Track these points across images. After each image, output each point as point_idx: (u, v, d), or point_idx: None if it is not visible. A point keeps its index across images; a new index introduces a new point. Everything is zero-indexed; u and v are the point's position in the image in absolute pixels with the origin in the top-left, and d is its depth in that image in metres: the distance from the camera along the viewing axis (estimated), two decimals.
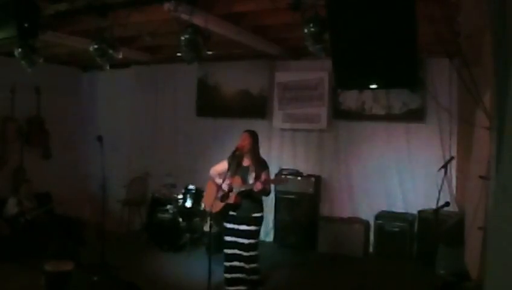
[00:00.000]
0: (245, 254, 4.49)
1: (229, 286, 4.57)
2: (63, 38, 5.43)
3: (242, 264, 4.50)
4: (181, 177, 6.88)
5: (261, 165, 4.56)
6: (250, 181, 4.46)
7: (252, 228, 4.52)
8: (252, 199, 4.53)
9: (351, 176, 6.61)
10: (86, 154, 7.92)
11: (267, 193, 4.59)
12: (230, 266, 4.54)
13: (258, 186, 4.34)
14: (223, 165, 4.71)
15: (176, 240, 6.32)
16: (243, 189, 4.47)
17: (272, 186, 6.33)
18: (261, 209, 4.62)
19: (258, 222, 4.59)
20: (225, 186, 4.54)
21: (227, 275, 4.56)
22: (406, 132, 6.25)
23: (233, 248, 4.53)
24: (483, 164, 3.91)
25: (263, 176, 4.45)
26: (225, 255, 4.59)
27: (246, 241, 4.49)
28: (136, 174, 7.60)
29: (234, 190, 4.51)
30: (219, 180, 4.62)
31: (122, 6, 4.03)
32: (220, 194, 4.55)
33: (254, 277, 4.56)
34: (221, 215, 4.64)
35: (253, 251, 4.54)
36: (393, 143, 6.31)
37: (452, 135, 5.81)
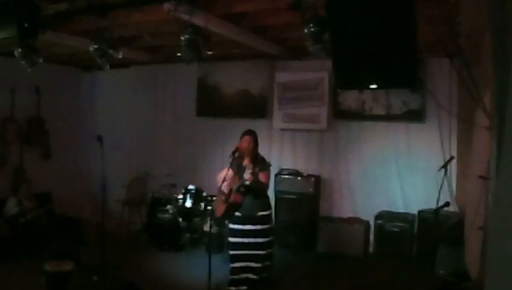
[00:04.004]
0: (256, 252, 4.47)
1: (232, 286, 4.55)
2: (63, 38, 5.43)
3: (248, 263, 4.48)
4: (181, 177, 6.88)
5: (258, 162, 4.54)
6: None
7: (258, 227, 4.50)
8: (255, 196, 4.51)
9: (351, 176, 6.60)
10: (86, 154, 7.92)
11: (264, 187, 4.55)
12: (236, 267, 4.53)
13: (249, 178, 4.34)
14: (226, 171, 4.69)
15: (176, 240, 6.32)
16: (238, 185, 4.46)
17: (271, 186, 6.36)
18: (266, 207, 4.61)
19: (265, 220, 4.57)
20: (224, 188, 4.54)
21: (234, 277, 4.55)
22: (406, 132, 6.25)
23: (240, 249, 4.51)
24: (483, 164, 3.91)
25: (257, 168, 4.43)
26: (231, 257, 4.58)
27: (252, 240, 4.47)
28: (136, 174, 7.60)
29: (233, 189, 4.52)
30: (223, 185, 4.62)
31: (122, 6, 4.03)
32: (222, 197, 4.56)
33: (263, 275, 4.54)
34: (227, 217, 4.63)
35: (265, 249, 4.51)
36: (393, 143, 6.31)
37: (452, 135, 5.81)
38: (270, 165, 4.57)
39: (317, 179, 6.64)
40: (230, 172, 4.57)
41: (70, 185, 7.74)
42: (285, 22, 4.82)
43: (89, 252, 5.49)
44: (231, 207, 4.53)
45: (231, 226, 4.61)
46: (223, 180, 4.57)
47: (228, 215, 4.58)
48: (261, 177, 4.44)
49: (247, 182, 4.40)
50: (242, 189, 4.48)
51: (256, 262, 4.47)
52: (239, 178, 4.50)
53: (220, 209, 4.60)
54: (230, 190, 4.54)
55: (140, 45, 6.30)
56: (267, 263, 4.57)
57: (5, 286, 4.80)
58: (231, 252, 4.58)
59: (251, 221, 4.49)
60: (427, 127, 6.08)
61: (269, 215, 4.64)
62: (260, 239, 4.50)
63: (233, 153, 4.59)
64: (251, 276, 4.48)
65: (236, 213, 4.55)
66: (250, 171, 4.40)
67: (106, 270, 5.00)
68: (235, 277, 4.53)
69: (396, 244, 5.93)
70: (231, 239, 4.59)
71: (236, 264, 4.53)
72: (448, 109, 5.63)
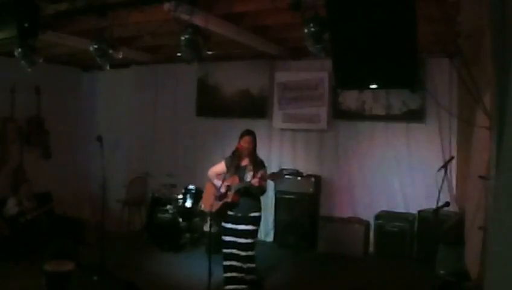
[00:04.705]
0: (242, 253, 4.51)
1: (228, 285, 4.58)
2: (63, 38, 5.43)
3: (240, 263, 4.51)
4: (181, 177, 6.88)
5: (259, 164, 4.57)
6: (248, 179, 4.46)
7: (250, 227, 4.54)
8: (250, 198, 4.54)
9: (351, 176, 6.60)
10: (86, 154, 7.92)
11: (264, 191, 4.59)
12: (229, 265, 4.56)
13: (256, 182, 4.34)
14: (221, 166, 4.73)
15: (176, 240, 6.32)
16: (240, 186, 4.47)
17: (271, 186, 6.36)
18: (258, 209, 4.63)
19: (256, 221, 4.61)
20: (223, 189, 4.55)
21: (227, 275, 4.59)
22: (406, 132, 6.25)
23: (232, 248, 4.55)
24: (483, 164, 3.91)
25: (261, 173, 4.44)
26: (224, 255, 4.61)
27: (243, 240, 4.51)
28: (136, 174, 7.59)
29: (232, 189, 4.52)
30: (217, 182, 4.63)
31: (122, 6, 4.03)
32: (218, 194, 4.56)
33: (251, 277, 4.57)
34: (220, 215, 4.65)
35: (250, 250, 4.57)
36: (393, 143, 6.31)
37: (452, 135, 5.81)
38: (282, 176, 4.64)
39: (317, 179, 6.64)
40: (227, 170, 4.58)
41: (70, 185, 7.73)
42: (285, 22, 4.82)
43: (89, 252, 5.49)
44: (227, 206, 4.55)
45: (225, 225, 4.63)
46: (223, 180, 4.58)
47: (222, 213, 4.60)
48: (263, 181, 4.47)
49: (256, 185, 4.39)
50: (242, 190, 4.49)
51: (243, 263, 4.52)
52: (239, 178, 4.51)
53: (214, 206, 4.60)
54: (228, 189, 4.54)
55: (140, 45, 6.30)
56: (253, 264, 4.61)
57: (5, 286, 4.79)
58: (224, 250, 4.61)
59: (244, 221, 4.53)
60: (427, 127, 6.08)
61: (259, 217, 4.68)
62: (250, 240, 4.55)
63: (234, 153, 4.62)
64: (244, 276, 4.52)
65: (230, 212, 4.57)
66: (253, 173, 4.41)
67: (106, 270, 5.00)
68: (228, 274, 4.57)
69: (396, 244, 5.93)
70: (225, 237, 4.62)
71: (228, 263, 4.56)
72: (448, 109, 5.64)
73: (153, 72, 7.78)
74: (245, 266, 4.52)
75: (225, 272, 4.59)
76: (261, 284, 4.83)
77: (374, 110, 6.39)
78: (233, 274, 4.54)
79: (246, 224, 4.52)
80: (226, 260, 4.58)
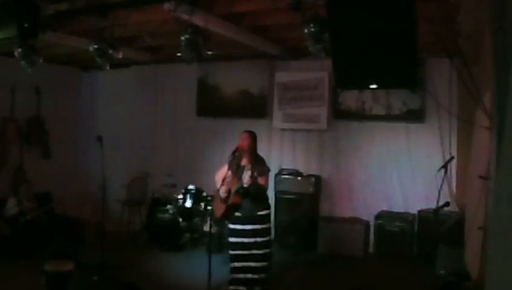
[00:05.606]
0: (255, 252, 4.47)
1: (232, 285, 4.56)
2: (63, 38, 5.43)
3: (248, 263, 4.47)
4: (181, 177, 6.88)
5: (257, 163, 4.54)
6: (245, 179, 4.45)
7: (258, 226, 4.50)
8: (254, 197, 4.51)
9: (351, 176, 6.60)
10: (86, 154, 7.92)
11: (261, 189, 4.53)
12: (236, 266, 4.53)
13: (248, 181, 4.31)
14: (225, 169, 4.70)
15: (176, 240, 6.32)
16: (238, 187, 4.46)
17: (271, 186, 6.36)
18: (265, 207, 4.61)
19: (264, 220, 4.57)
20: (225, 191, 4.54)
21: (234, 276, 4.55)
22: (406, 132, 6.25)
23: (239, 249, 4.51)
24: (483, 164, 3.91)
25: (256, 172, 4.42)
26: (230, 256, 4.59)
27: (252, 240, 4.47)
28: (136, 174, 7.60)
29: (232, 190, 4.51)
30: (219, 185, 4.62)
31: (122, 6, 4.03)
32: (221, 198, 4.55)
33: (262, 275, 4.53)
34: (226, 218, 4.64)
35: (264, 249, 4.52)
36: (393, 143, 6.31)
37: (452, 135, 5.80)
38: (269, 170, 4.54)
39: (317, 179, 6.63)
40: (229, 172, 4.58)
41: (70, 185, 7.73)
42: (285, 22, 4.82)
43: (89, 252, 5.48)
44: (230, 208, 4.54)
45: (231, 226, 4.61)
46: (223, 181, 4.57)
47: (227, 215, 4.59)
48: (260, 180, 4.44)
49: (246, 185, 4.38)
50: (241, 191, 4.48)
51: (255, 262, 4.48)
52: (238, 179, 4.50)
53: (219, 209, 4.60)
54: (230, 191, 4.53)
55: (140, 45, 6.30)
56: (266, 262, 4.57)
57: (5, 286, 4.79)
58: (231, 252, 4.59)
59: (250, 221, 4.50)
60: (427, 127, 6.08)
61: (268, 215, 4.65)
62: (259, 239, 4.51)
63: (234, 152, 4.60)
64: (250, 276, 4.49)
65: (236, 213, 4.55)
66: (249, 173, 4.39)
67: (106, 270, 5.00)
68: (235, 276, 4.54)
69: (396, 244, 5.93)
70: (231, 239, 4.60)
71: (236, 264, 4.54)
72: (448, 109, 5.63)
73: (153, 72, 7.78)
74: (259, 264, 4.48)
75: (232, 273, 4.57)
76: (270, 284, 4.78)
77: (374, 110, 6.39)
78: (239, 275, 4.51)
79: (254, 224, 4.49)
80: (232, 261, 4.56)
